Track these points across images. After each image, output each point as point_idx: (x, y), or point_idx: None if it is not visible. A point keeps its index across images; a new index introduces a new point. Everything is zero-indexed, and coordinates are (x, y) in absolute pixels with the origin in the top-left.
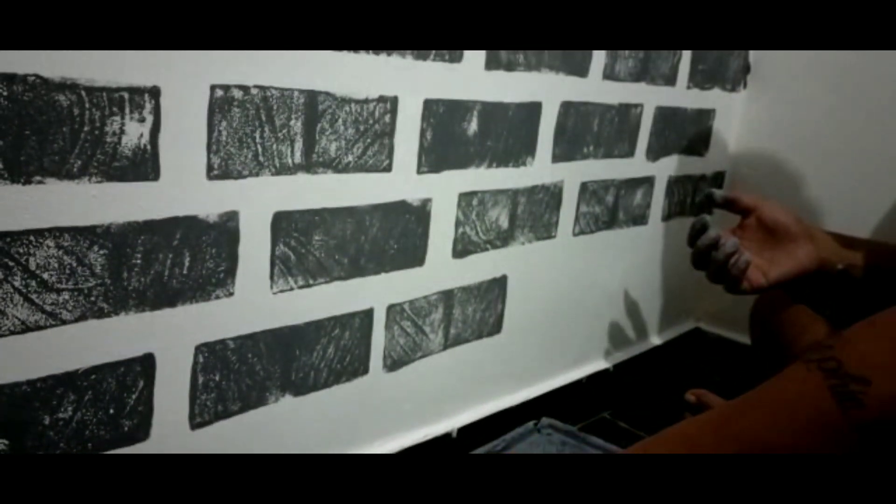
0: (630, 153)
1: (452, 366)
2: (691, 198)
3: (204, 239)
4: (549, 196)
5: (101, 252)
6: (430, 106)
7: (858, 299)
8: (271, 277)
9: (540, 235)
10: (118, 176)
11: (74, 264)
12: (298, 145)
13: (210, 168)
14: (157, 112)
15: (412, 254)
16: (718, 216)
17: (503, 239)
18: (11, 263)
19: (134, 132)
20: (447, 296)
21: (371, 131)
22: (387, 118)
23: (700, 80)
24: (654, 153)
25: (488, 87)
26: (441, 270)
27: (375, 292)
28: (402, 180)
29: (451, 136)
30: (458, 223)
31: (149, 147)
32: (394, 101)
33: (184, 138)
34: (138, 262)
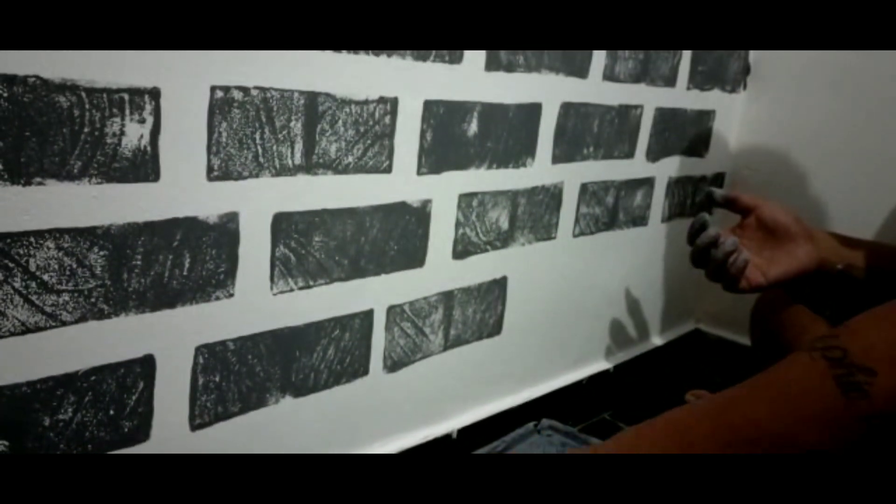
0: (630, 154)
1: (452, 367)
2: (691, 199)
3: (204, 240)
4: (549, 197)
5: (102, 253)
6: (430, 107)
7: (858, 299)
8: (271, 278)
9: (540, 236)
10: (118, 177)
11: (74, 265)
12: (299, 146)
13: (210, 169)
14: (157, 113)
15: (412, 255)
16: (718, 216)
17: (503, 240)
18: (11, 265)
19: (134, 133)
20: (447, 297)
21: (371, 132)
22: (387, 119)
23: (700, 81)
24: (654, 154)
25: (488, 88)
26: (441, 271)
27: (375, 293)
28: (403, 181)
29: (451, 137)
30: (458, 224)
31: (149, 148)
32: (394, 102)
33: (184, 139)
34: (138, 263)
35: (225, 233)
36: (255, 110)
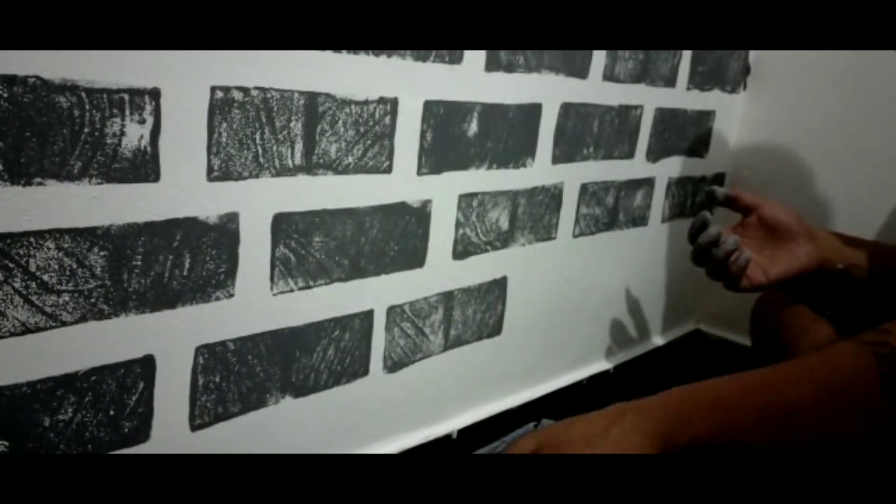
0: (630, 154)
1: (453, 367)
2: (691, 199)
3: (204, 240)
4: (550, 197)
5: (102, 253)
6: (430, 107)
7: (859, 299)
8: (271, 279)
9: (540, 237)
10: (118, 177)
11: (75, 266)
12: (299, 147)
13: (210, 169)
14: (157, 113)
15: (412, 255)
16: (719, 214)
17: (503, 240)
18: (11, 265)
19: (134, 134)
20: (447, 297)
21: (371, 133)
22: (387, 119)
23: (700, 81)
24: (654, 154)
25: (488, 89)
26: (441, 272)
27: (375, 294)
28: (403, 182)
29: (451, 137)
30: (458, 224)
31: (149, 148)
32: (394, 102)
33: (184, 140)
34: (138, 263)
35: (225, 233)
36: (256, 110)
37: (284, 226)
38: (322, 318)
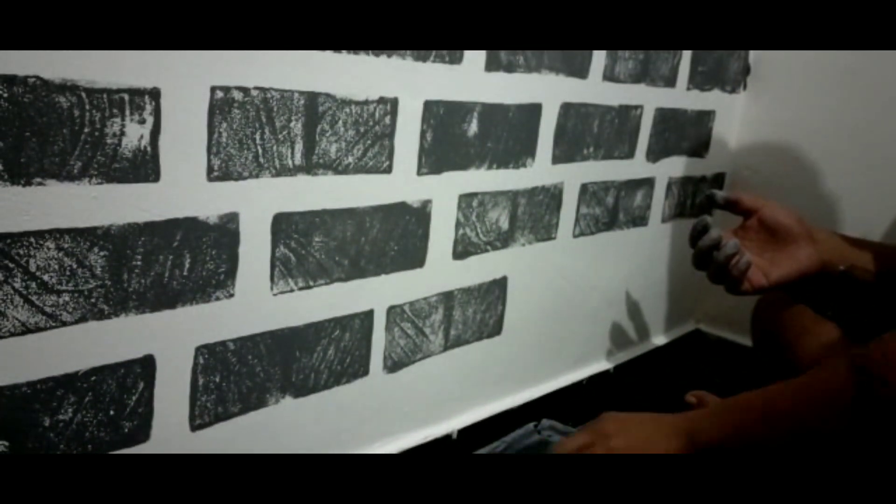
0: (630, 154)
1: (453, 367)
2: (691, 199)
3: (204, 240)
4: (550, 197)
5: (102, 254)
6: (430, 107)
7: (860, 301)
8: (271, 279)
9: (540, 237)
10: (118, 177)
11: (75, 266)
12: (299, 147)
13: (210, 169)
14: (157, 113)
15: (412, 255)
16: (720, 217)
17: (503, 240)
18: (11, 265)
19: (134, 134)
20: (447, 297)
21: (371, 133)
22: (387, 119)
23: (700, 81)
24: (655, 154)
25: (488, 89)
26: (441, 272)
27: (376, 294)
28: (403, 182)
29: (451, 137)
30: (458, 224)
31: (149, 148)
32: (394, 102)
33: (184, 140)
34: (138, 263)
35: (225, 233)
36: (256, 110)
37: (284, 226)
38: (322, 318)
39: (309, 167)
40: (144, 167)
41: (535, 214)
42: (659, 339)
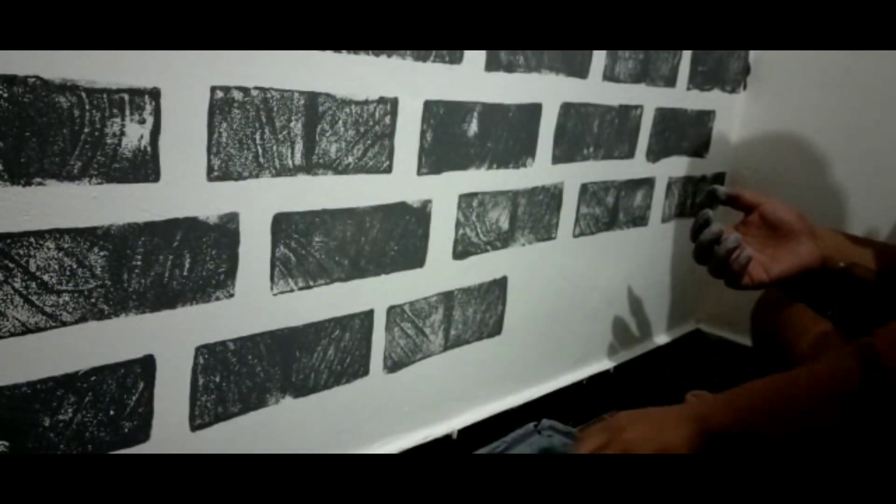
0: (630, 154)
1: (453, 367)
2: (692, 199)
3: (204, 240)
4: (550, 197)
5: (102, 254)
6: (430, 107)
7: (861, 298)
8: (271, 279)
9: (540, 237)
10: (118, 177)
11: (75, 266)
12: (299, 147)
13: (210, 169)
14: (157, 113)
15: (412, 255)
16: (721, 213)
17: (503, 240)
18: (12, 265)
19: (134, 134)
20: (447, 297)
21: (371, 133)
22: (387, 119)
23: (700, 81)
24: (655, 154)
25: (488, 89)
26: (441, 272)
27: (376, 294)
28: (403, 181)
29: (451, 137)
30: (458, 224)
31: (149, 148)
32: (394, 102)
33: (184, 140)
34: (138, 263)
35: (225, 233)
36: (256, 110)
37: (284, 226)
38: (322, 318)
39: (309, 167)
40: (144, 167)
41: (535, 214)
42: (659, 339)
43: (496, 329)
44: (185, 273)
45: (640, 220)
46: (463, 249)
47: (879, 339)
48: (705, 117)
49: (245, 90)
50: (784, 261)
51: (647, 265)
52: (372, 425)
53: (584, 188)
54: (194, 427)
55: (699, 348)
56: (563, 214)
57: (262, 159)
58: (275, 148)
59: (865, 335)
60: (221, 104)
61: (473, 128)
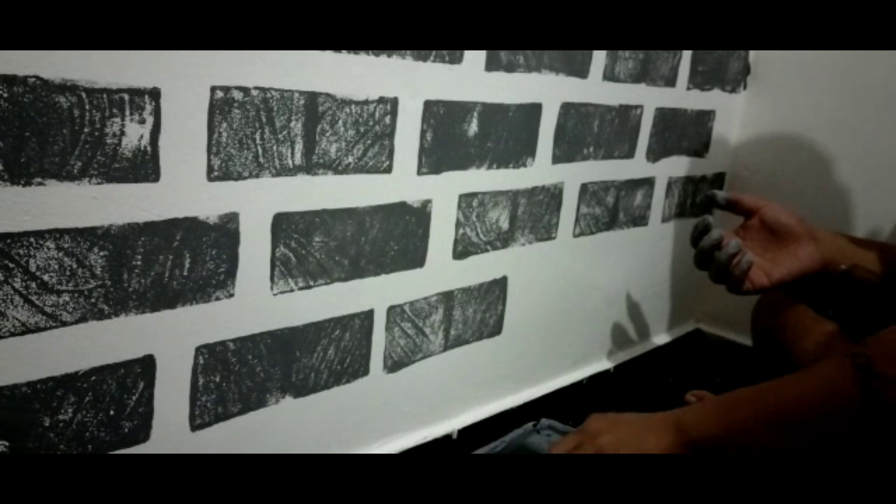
0: (630, 154)
1: (453, 367)
2: (692, 199)
3: (204, 240)
4: (550, 197)
5: (102, 254)
6: (430, 107)
7: (862, 300)
8: (271, 279)
9: (540, 236)
10: (118, 177)
11: (74, 266)
12: (299, 147)
13: (210, 169)
14: (157, 113)
15: (412, 255)
16: (720, 217)
17: (503, 240)
18: (11, 265)
19: (134, 134)
20: (447, 297)
21: (371, 132)
22: (387, 119)
23: (700, 81)
24: (655, 154)
25: (488, 89)
26: (441, 272)
27: (376, 294)
28: (403, 181)
29: (451, 137)
30: (458, 224)
31: (149, 148)
32: (394, 102)
33: (184, 140)
34: (138, 263)
35: (225, 233)
36: (256, 110)
37: (284, 226)
38: (322, 318)
39: (309, 167)
40: (144, 167)
41: (536, 214)
42: (659, 339)
43: (496, 329)
44: (185, 273)
45: (640, 219)
46: (463, 249)
47: (874, 349)
48: (705, 117)
49: (245, 90)
50: (785, 265)
51: (647, 265)
52: (372, 425)
53: (584, 188)
54: (194, 427)
55: (699, 348)
56: (563, 214)
57: (262, 159)
58: (275, 148)
59: (866, 336)
60: (221, 104)
61: (473, 128)
